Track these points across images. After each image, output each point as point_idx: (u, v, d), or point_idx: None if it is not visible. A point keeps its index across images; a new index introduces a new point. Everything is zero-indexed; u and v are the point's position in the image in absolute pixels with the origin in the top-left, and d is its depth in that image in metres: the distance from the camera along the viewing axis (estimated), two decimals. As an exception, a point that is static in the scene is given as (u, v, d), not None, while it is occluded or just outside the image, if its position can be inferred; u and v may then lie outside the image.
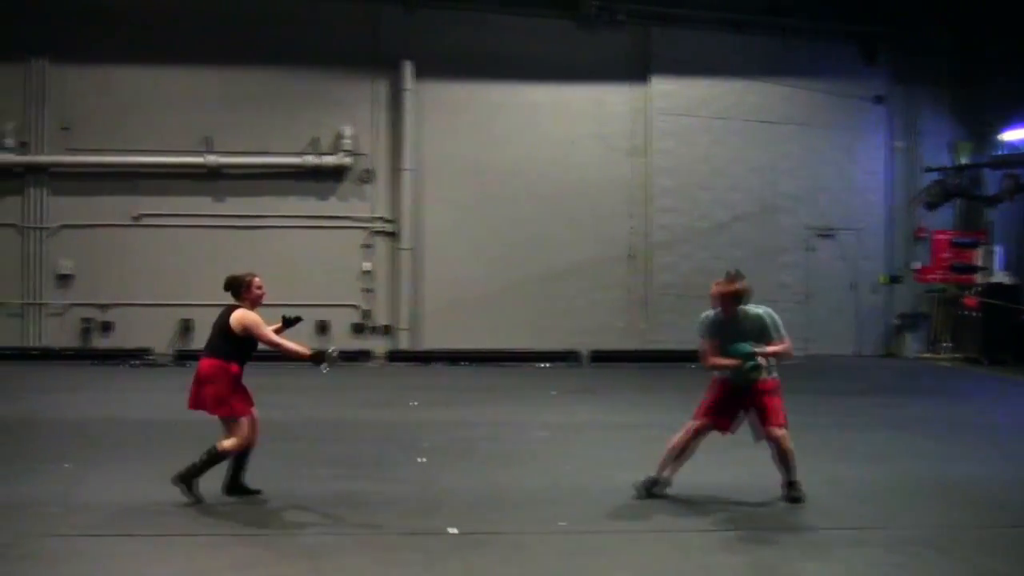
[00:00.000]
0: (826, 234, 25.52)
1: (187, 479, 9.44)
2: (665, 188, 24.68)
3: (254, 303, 9.77)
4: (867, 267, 25.80)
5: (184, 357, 21.37)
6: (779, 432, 9.71)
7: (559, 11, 24.16)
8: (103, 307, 22.96)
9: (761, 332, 9.69)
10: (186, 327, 22.54)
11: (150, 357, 21.91)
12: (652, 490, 9.97)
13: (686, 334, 22.90)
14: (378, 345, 23.46)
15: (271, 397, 15.45)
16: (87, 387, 18.39)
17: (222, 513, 9.36)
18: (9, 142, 22.57)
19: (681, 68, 24.63)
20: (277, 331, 9.89)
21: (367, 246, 23.74)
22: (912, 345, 25.64)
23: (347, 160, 23.39)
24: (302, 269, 23.05)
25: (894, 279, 25.80)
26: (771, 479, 9.99)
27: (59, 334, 22.85)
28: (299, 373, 19.06)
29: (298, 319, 10.37)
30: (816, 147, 25.44)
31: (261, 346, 9.66)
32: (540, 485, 10.68)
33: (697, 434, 9.97)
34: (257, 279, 9.87)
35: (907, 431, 14.64)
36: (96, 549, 8.22)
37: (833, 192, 25.55)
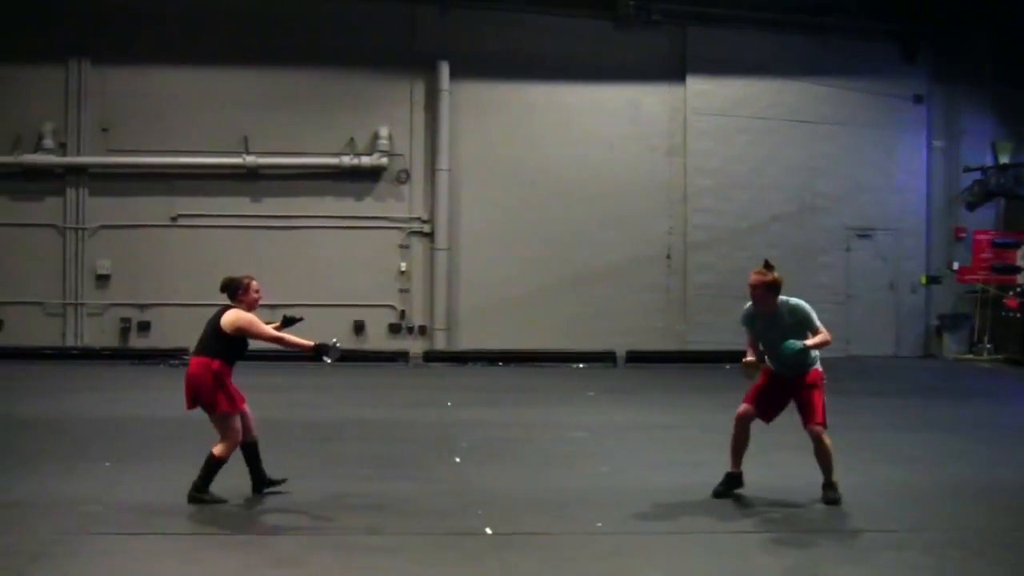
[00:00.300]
0: (865, 234, 25.35)
1: (197, 495, 9.43)
2: (702, 188, 24.58)
3: (251, 306, 9.73)
4: (906, 267, 25.61)
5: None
6: (816, 429, 9.65)
7: (595, 11, 24.12)
8: (141, 307, 23.11)
9: (801, 323, 9.65)
10: (224, 327, 22.59)
11: (187, 357, 21.94)
12: (730, 488, 9.96)
13: (723, 335, 23.15)
14: (414, 345, 23.48)
15: (306, 397, 15.57)
16: (125, 386, 18.46)
17: (258, 512, 9.41)
18: (49, 143, 22.75)
19: (718, 68, 24.54)
20: (277, 329, 9.85)
21: (403, 246, 23.76)
22: (952, 346, 25.46)
23: (383, 160, 23.41)
24: (338, 269, 23.14)
25: (934, 279, 25.59)
26: (809, 481, 9.91)
27: (98, 334, 23.03)
28: (333, 374, 19.12)
29: (300, 319, 10.31)
30: (855, 147, 25.24)
31: (261, 345, 9.65)
32: (577, 486, 10.64)
33: (743, 421, 9.92)
34: (255, 282, 9.82)
35: (948, 433, 14.51)
36: (134, 547, 8.25)
37: (872, 192, 25.37)
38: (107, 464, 11.07)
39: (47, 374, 19.64)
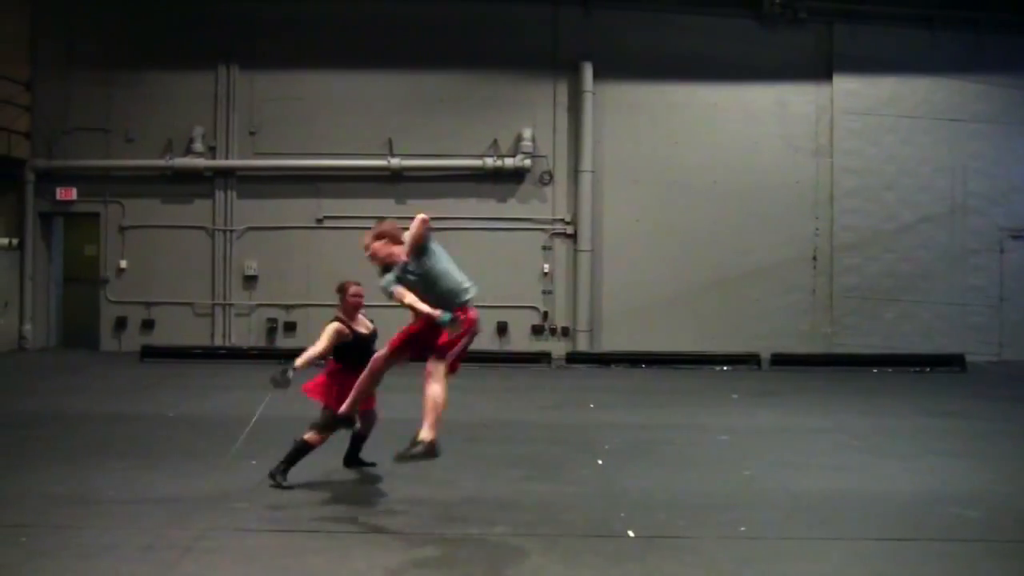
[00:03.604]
0: (1019, 235, 24.54)
1: (281, 477, 10.17)
2: (849, 189, 24.10)
3: (348, 311, 10.93)
4: (1064, 270, 24.79)
5: (366, 357, 21.79)
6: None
7: (740, 10, 23.83)
8: (287, 307, 23.49)
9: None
10: (368, 328, 22.86)
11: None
12: None
13: (871, 338, 22.80)
14: (557, 347, 23.44)
15: (449, 397, 15.58)
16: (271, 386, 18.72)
17: (399, 511, 9.50)
18: (199, 147, 23.31)
19: (866, 66, 24.00)
20: None
21: (546, 248, 23.77)
22: (1113, 351, 24.57)
23: (527, 162, 23.45)
24: (481, 270, 22.91)
25: (1093, 282, 24.74)
26: (963, 488, 9.64)
27: (245, 334, 23.50)
28: (481, 375, 19.21)
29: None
30: (1009, 145, 24.45)
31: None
32: (720, 489, 10.53)
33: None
34: (353, 287, 10.93)
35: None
36: (279, 544, 8.40)
37: (1027, 192, 24.64)
38: (253, 462, 11.21)
39: (196, 373, 20.05)
